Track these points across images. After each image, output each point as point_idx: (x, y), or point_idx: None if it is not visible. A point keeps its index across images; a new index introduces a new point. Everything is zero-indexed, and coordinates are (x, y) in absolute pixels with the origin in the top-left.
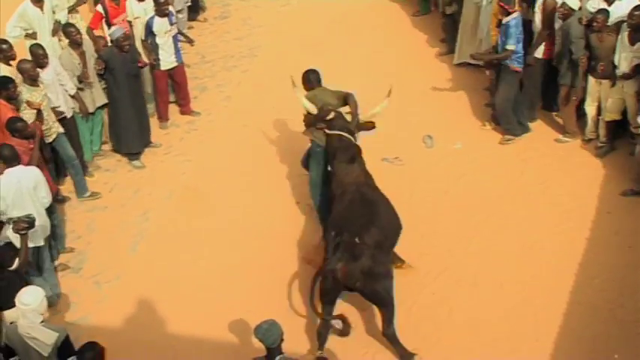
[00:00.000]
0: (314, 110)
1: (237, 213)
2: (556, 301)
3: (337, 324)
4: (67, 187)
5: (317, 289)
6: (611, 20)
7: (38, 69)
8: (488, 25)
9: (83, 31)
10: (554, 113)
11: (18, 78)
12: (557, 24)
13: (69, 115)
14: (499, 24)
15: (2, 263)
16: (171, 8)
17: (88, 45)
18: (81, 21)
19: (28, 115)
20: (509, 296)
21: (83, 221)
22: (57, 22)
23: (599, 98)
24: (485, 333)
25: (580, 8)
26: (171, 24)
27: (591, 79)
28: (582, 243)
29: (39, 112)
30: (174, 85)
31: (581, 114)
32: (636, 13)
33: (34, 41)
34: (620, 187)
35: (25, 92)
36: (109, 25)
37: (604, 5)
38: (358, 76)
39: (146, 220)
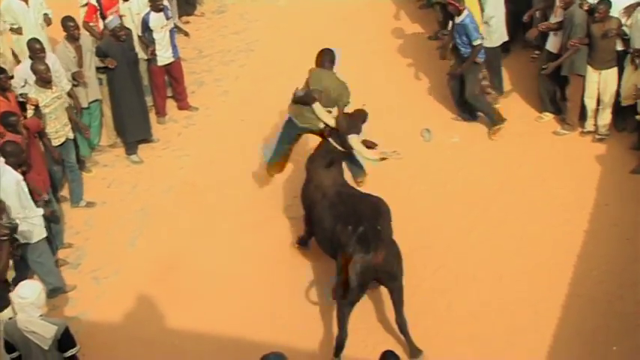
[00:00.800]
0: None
1: (236, 207)
2: (555, 294)
3: None
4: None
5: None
6: (617, 9)
7: None
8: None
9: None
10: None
11: (31, 78)
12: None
13: None
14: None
15: None
16: (165, 2)
17: (84, 40)
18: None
19: (28, 112)
20: (508, 289)
21: (81, 217)
22: (46, 15)
23: (599, 90)
24: (485, 326)
25: None
26: (167, 18)
27: (590, 70)
28: (581, 235)
29: (37, 109)
30: (172, 81)
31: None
32: None
33: (20, 36)
34: (619, 179)
35: (34, 93)
36: (103, 17)
37: None
38: (356, 70)
39: (145, 216)
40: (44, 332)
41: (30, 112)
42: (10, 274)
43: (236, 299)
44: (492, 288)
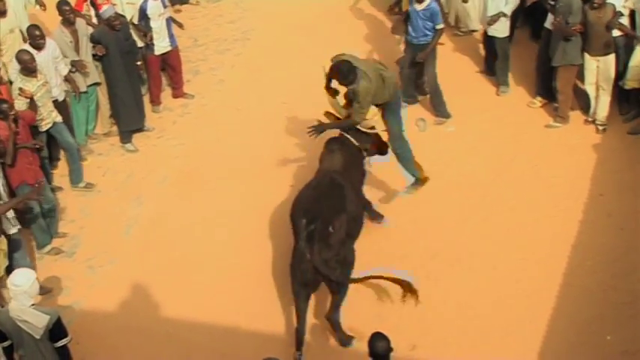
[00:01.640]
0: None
1: (232, 196)
2: (549, 284)
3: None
4: (58, 174)
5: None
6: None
7: (35, 51)
8: None
9: None
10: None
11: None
12: None
13: (61, 98)
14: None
15: None
16: None
17: (80, 24)
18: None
19: (20, 103)
20: (502, 279)
21: (76, 205)
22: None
23: (597, 76)
24: (479, 316)
25: None
26: (165, 6)
27: (587, 58)
28: (575, 225)
29: (32, 101)
30: (169, 69)
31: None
32: None
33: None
34: (613, 169)
35: (20, 82)
36: (94, 6)
37: None
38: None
39: (140, 205)
40: (36, 322)
41: (20, 103)
42: (4, 263)
43: (230, 288)
44: (487, 278)
